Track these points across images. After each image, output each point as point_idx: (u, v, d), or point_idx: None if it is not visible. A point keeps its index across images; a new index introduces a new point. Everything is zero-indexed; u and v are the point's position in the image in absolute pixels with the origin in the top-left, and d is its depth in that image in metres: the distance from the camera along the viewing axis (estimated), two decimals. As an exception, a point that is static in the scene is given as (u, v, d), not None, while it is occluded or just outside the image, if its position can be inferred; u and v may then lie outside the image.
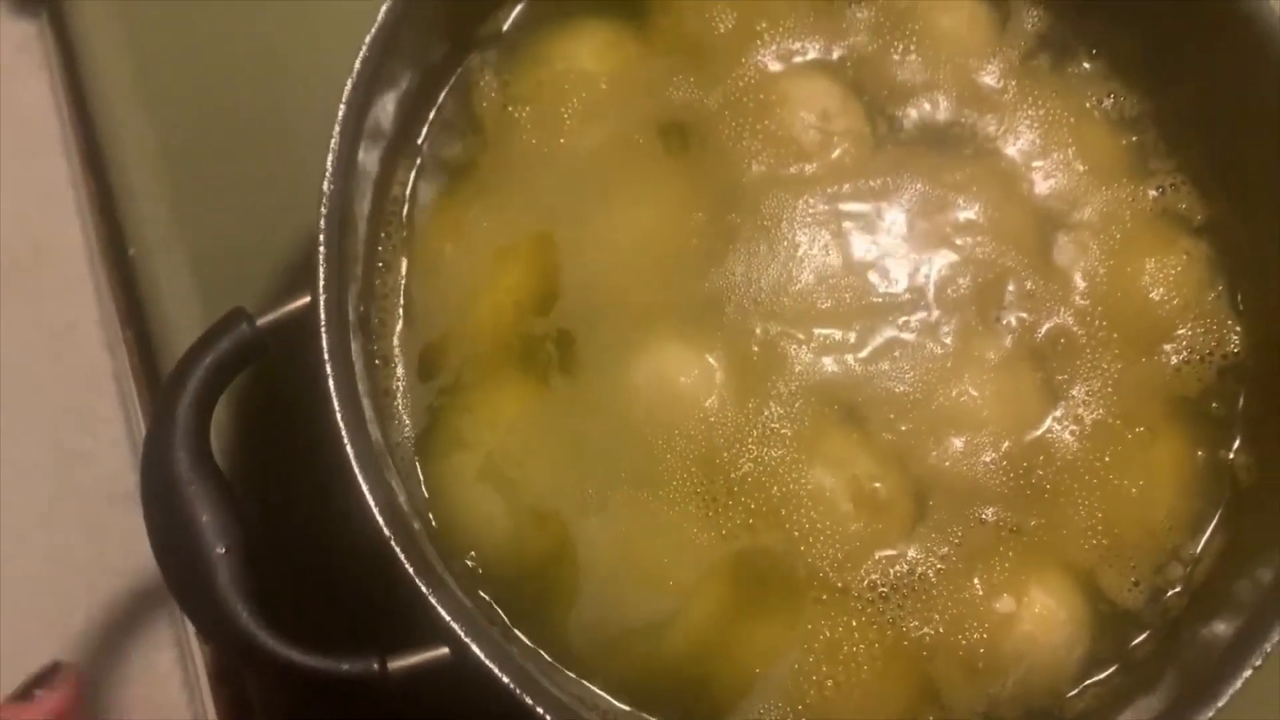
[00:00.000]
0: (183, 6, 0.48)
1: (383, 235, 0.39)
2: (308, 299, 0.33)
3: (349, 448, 0.31)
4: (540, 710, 0.30)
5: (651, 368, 0.38)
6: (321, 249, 0.33)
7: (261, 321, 0.33)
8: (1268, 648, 0.32)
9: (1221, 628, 0.35)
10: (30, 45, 0.52)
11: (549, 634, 0.36)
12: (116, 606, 0.45)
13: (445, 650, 0.31)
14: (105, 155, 0.48)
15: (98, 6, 0.49)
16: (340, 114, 0.34)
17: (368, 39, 0.35)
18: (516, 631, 0.36)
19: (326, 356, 0.32)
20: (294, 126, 0.45)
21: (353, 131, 0.34)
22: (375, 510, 0.31)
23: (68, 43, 0.50)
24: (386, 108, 0.37)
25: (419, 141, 0.41)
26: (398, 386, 0.39)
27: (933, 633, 0.37)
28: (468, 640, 0.30)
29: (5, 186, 0.49)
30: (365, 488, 0.31)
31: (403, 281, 0.40)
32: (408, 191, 0.40)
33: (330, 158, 0.34)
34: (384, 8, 0.35)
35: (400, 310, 0.39)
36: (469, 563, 0.37)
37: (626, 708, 0.36)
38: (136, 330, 0.48)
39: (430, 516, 0.37)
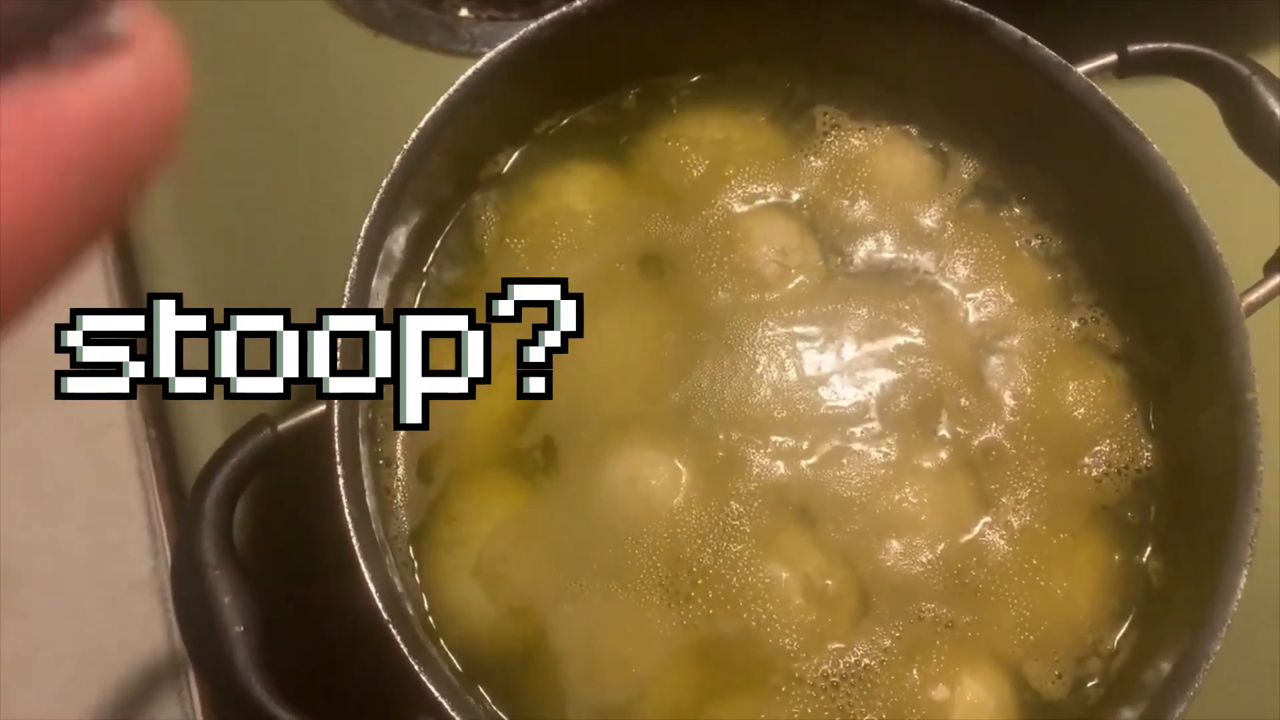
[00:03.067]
0: (224, 163, 0.53)
1: (390, 350, 0.44)
2: (323, 408, 0.38)
3: (355, 541, 0.36)
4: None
5: (625, 470, 0.43)
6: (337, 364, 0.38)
7: (282, 427, 0.38)
8: (1164, 733, 0.36)
9: (1128, 714, 0.38)
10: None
11: (529, 716, 0.40)
12: (130, 685, 0.49)
13: (431, 722, 0.35)
14: (143, 284, 0.53)
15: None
16: (357, 248, 0.39)
17: (384, 183, 0.40)
18: (499, 711, 0.40)
19: (338, 460, 0.36)
20: (319, 260, 0.51)
21: (367, 264, 0.40)
22: (376, 596, 0.35)
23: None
24: (398, 240, 0.43)
25: (425, 269, 0.46)
26: (398, 485, 0.43)
27: (876, 718, 0.41)
28: (453, 713, 0.34)
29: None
30: (368, 576, 0.36)
31: (406, 391, 0.44)
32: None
33: (348, 285, 0.39)
34: (398, 159, 0.40)
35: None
36: (457, 646, 0.41)
37: (596, 782, 0.39)
38: (160, 431, 0.53)
39: (424, 602, 0.41)
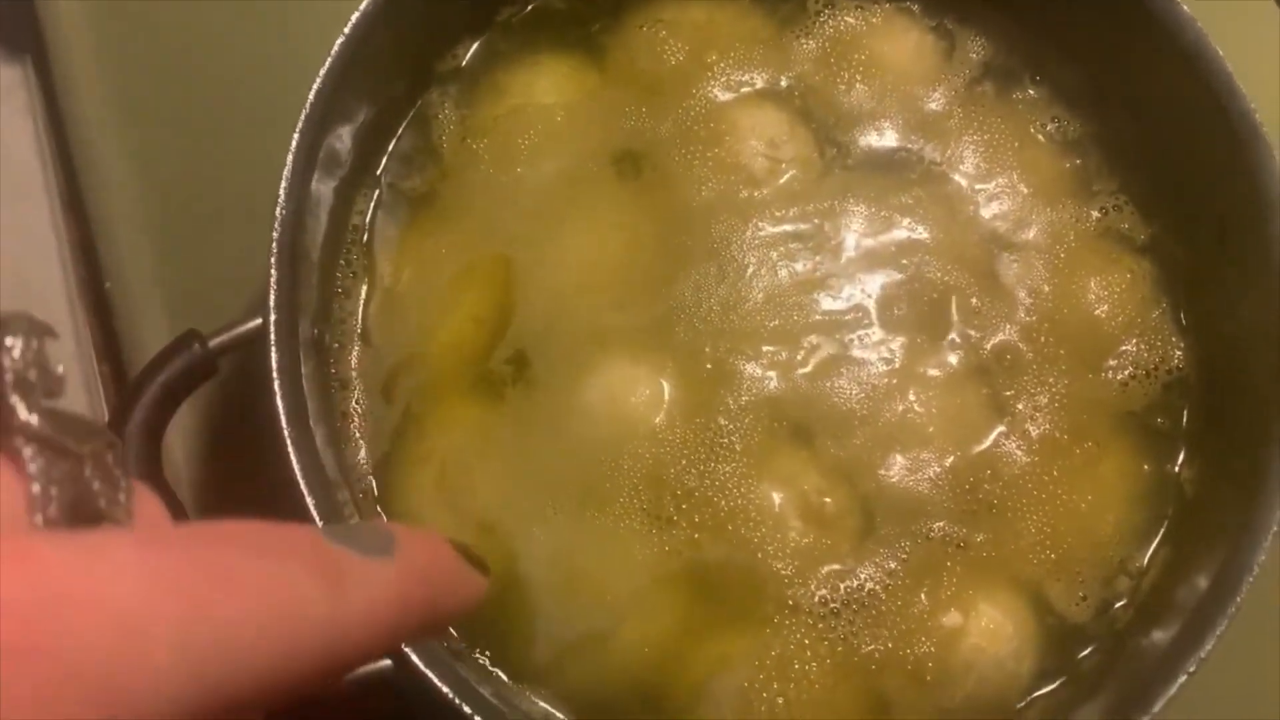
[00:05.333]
0: (161, 54, 0.49)
1: (341, 263, 0.41)
2: (258, 321, 0.34)
3: (294, 461, 0.32)
4: (477, 718, 0.31)
5: (602, 387, 0.39)
6: (273, 272, 0.34)
7: (214, 343, 0.34)
8: (1202, 654, 0.32)
9: (1160, 635, 0.35)
10: (16, 89, 0.54)
11: (497, 648, 0.37)
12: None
13: (387, 662, 0.32)
14: (85, 196, 0.49)
15: (78, 54, 0.51)
16: (294, 143, 0.35)
17: (321, 72, 0.36)
18: (463, 646, 0.37)
19: (275, 374, 0.33)
20: (266, 164, 0.47)
21: (305, 161, 0.36)
22: (319, 523, 0.32)
23: (50, 87, 0.52)
24: (343, 139, 0.39)
25: (378, 173, 0.42)
26: (356, 409, 0.40)
27: (882, 648, 0.37)
28: (407, 650, 0.31)
29: (-6, 227, 0.50)
30: (310, 501, 0.32)
31: (361, 307, 0.41)
32: (367, 220, 0.42)
33: (283, 185, 0.35)
34: (337, 43, 0.36)
35: (358, 335, 0.40)
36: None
37: (574, 721, 0.36)
38: (112, 365, 0.49)
39: (383, 535, 0.38)
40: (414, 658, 0.31)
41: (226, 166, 0.48)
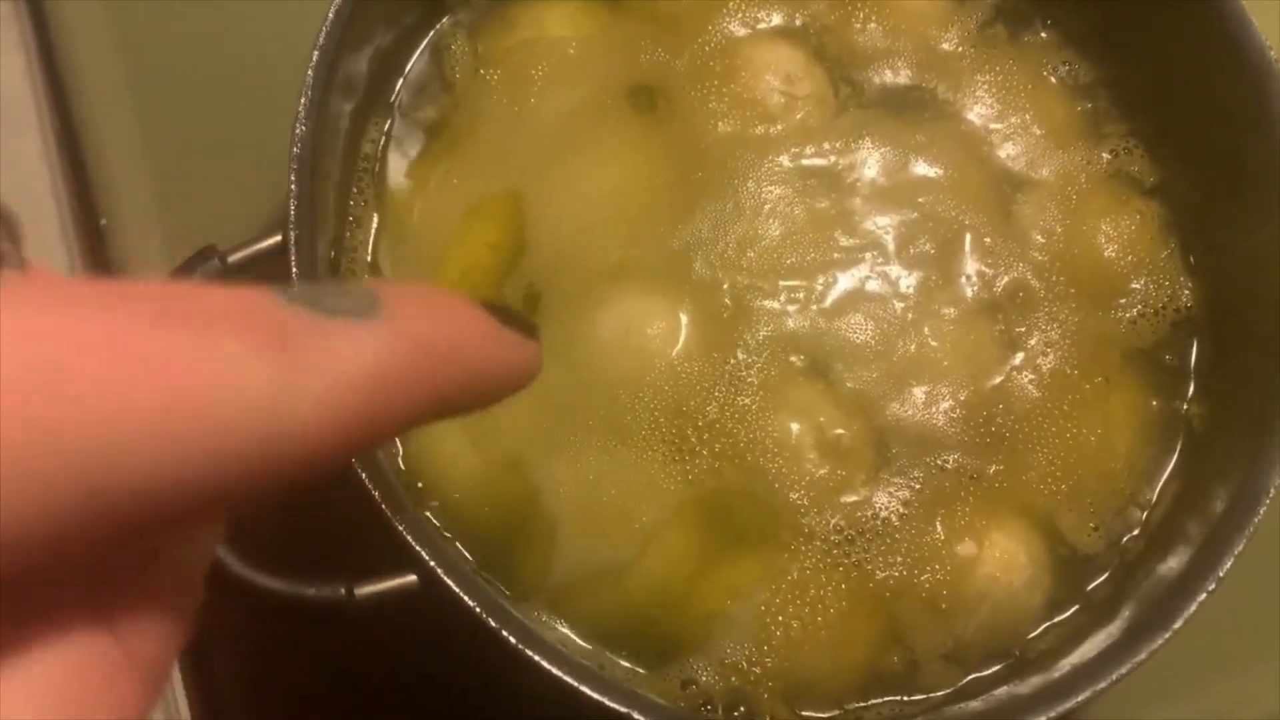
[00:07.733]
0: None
1: (354, 191, 0.40)
2: (278, 238, 0.34)
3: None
4: (505, 633, 0.30)
5: (618, 321, 0.39)
6: (293, 186, 0.33)
7: (232, 258, 0.34)
8: (1221, 573, 0.33)
9: (1174, 562, 0.35)
10: (7, 22, 0.53)
11: (515, 576, 0.37)
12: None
13: (413, 578, 0.31)
14: (80, 133, 0.48)
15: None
16: (314, 59, 0.35)
17: (340, -7, 0.36)
18: (485, 573, 0.36)
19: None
20: (269, 94, 0.45)
21: (325, 79, 0.35)
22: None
23: (43, 19, 0.51)
24: (360, 64, 0.38)
25: (391, 100, 0.41)
26: (368, 338, 0.39)
27: (896, 575, 0.37)
28: (434, 565, 0.31)
29: (-18, 159, 0.49)
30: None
31: (373, 236, 0.40)
32: (379, 150, 0.41)
33: (303, 100, 0.34)
34: (356, -38, 0.36)
35: (369, 265, 0.40)
36: (438, 505, 0.37)
37: (591, 647, 0.36)
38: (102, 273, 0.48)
39: (400, 460, 0.37)
40: (440, 573, 0.31)
41: (227, 101, 0.47)
